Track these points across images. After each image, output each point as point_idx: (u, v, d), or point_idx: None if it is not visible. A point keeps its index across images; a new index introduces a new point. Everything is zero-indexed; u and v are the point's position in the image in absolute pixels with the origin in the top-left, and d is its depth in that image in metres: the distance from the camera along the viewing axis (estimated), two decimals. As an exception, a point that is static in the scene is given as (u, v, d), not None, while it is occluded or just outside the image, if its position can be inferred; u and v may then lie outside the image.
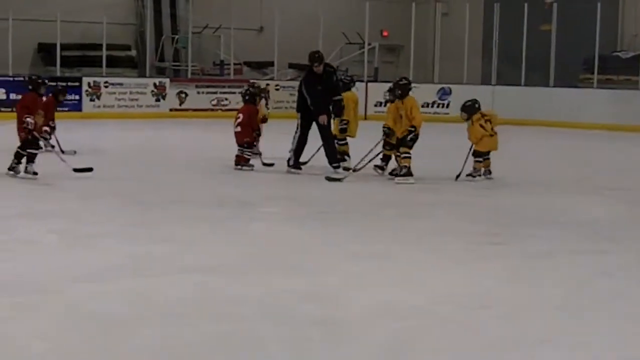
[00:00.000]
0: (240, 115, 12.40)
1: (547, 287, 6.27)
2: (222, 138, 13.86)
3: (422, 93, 22.33)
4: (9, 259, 6.76)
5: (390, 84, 12.33)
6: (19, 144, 10.92)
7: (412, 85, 12.11)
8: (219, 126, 17.02)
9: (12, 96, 21.04)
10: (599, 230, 8.59)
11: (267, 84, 23.74)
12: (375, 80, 24.75)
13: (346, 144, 12.55)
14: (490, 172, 11.91)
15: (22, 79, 21.33)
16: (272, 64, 25.64)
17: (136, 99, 22.65)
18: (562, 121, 21.78)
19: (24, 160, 10.92)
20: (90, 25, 23.81)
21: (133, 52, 26.18)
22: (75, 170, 11.02)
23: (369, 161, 11.73)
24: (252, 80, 18.11)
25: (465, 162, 11.65)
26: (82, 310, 5.39)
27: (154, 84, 23.20)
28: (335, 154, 12.11)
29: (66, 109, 21.24)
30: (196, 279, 6.19)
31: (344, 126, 12.61)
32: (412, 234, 8.21)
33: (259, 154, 12.42)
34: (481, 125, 11.83)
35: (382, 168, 11.93)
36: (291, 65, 26.47)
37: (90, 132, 17.58)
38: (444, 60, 25.74)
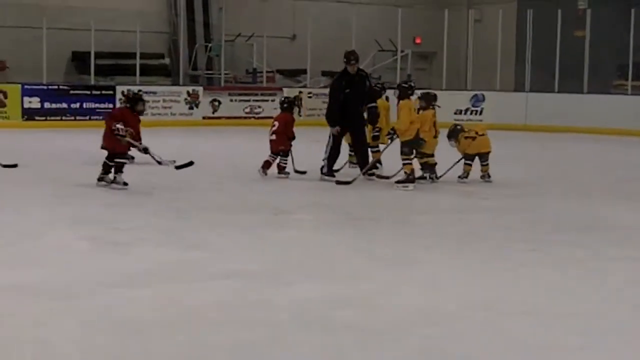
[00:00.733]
0: (276, 123, 12.42)
1: (583, 294, 6.22)
2: (255, 146, 13.88)
3: (455, 100, 22.38)
4: (41, 264, 6.81)
5: (422, 92, 12.37)
6: (106, 154, 10.98)
7: (415, 89, 12.01)
8: (252, 134, 17.08)
9: (46, 105, 21.25)
10: (635, 237, 8.52)
11: (300, 92, 23.85)
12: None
13: (378, 151, 12.53)
14: (489, 176, 12.09)
15: (56, 87, 21.67)
16: (304, 71, 25.69)
17: (169, 107, 22.75)
18: (596, 127, 21.64)
19: (111, 170, 10.97)
20: (124, 34, 23.98)
21: (166, 61, 26.36)
22: (178, 167, 11.46)
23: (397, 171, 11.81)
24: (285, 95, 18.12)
25: (453, 166, 11.94)
26: (114, 316, 5.40)
27: (187, 92, 23.30)
28: (367, 162, 12.11)
29: (100, 117, 21.46)
30: (228, 285, 6.19)
31: (377, 133, 12.65)
32: (444, 240, 8.17)
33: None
34: (466, 138, 12.02)
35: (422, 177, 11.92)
36: (324, 73, 26.52)
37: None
38: (476, 67, 25.65)
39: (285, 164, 12.28)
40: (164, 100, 22.74)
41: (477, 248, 7.77)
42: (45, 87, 21.55)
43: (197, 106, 23.16)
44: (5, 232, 8.17)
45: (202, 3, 27.28)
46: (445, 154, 12.06)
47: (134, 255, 7.19)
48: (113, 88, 22.25)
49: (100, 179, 10.99)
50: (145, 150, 11.19)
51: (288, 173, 12.26)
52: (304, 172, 12.34)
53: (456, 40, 26.77)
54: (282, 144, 12.22)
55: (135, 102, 11.38)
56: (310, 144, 13.04)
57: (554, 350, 4.94)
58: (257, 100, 23.76)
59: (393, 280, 6.50)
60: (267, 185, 11.76)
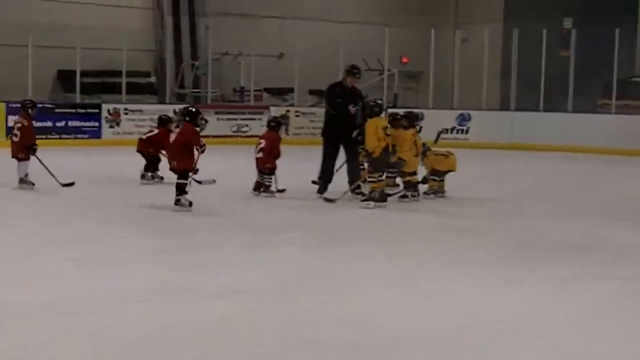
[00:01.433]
0: (263, 141, 12.42)
1: (575, 312, 6.25)
2: (243, 164, 13.88)
3: (441, 119, 22.39)
4: (31, 285, 6.78)
5: (405, 111, 12.45)
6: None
7: (383, 108, 12.03)
8: (239, 153, 17.04)
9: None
10: (623, 255, 8.56)
11: (287, 110, 23.84)
12: (395, 107, 24.69)
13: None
14: (444, 192, 12.35)
15: (41, 105, 21.49)
16: (292, 90, 25.71)
17: (156, 126, 22.63)
18: (581, 146, 21.72)
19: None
20: (110, 52, 23.94)
21: (153, 79, 26.34)
22: (199, 182, 11.83)
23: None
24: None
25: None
26: (104, 336, 5.38)
27: (174, 111, 23.18)
28: (357, 179, 12.11)
29: (86, 136, 21.42)
30: (219, 305, 6.19)
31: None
32: (438, 259, 8.20)
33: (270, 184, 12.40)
34: (436, 155, 12.31)
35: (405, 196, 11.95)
36: (311, 92, 26.55)
37: (109, 158, 17.63)
38: (463, 86, 25.73)
39: (270, 182, 12.28)
40: (151, 119, 22.62)
41: (464, 267, 7.79)
42: (31, 105, 21.42)
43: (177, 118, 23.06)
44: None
45: (188, 21, 27.30)
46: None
47: (127, 275, 7.17)
48: (99, 106, 22.17)
49: (177, 202, 10.82)
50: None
51: (274, 191, 12.27)
52: (283, 190, 12.36)
53: (443, 60, 26.86)
54: (268, 162, 12.23)
55: (195, 116, 11.23)
56: (297, 162, 13.04)
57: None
58: (244, 119, 23.74)
59: (389, 300, 6.52)
60: (256, 203, 11.77)
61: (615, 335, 5.71)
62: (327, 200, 11.76)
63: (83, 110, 22.04)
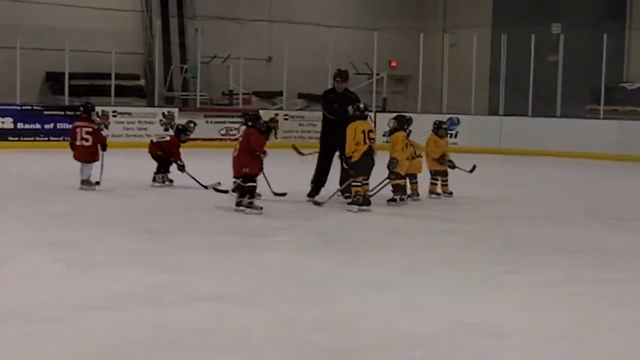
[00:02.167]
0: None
1: (561, 317, 6.24)
2: (231, 168, 13.82)
3: (430, 123, 22.40)
4: (16, 288, 6.76)
5: (397, 114, 12.43)
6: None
7: (365, 112, 11.75)
8: (227, 156, 17.01)
9: (20, 125, 21.10)
10: (611, 260, 8.58)
11: (276, 114, 23.86)
12: (384, 111, 24.75)
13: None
14: (418, 195, 12.41)
15: (29, 107, 21.54)
16: (281, 93, 25.74)
17: (145, 129, 22.64)
18: (569, 151, 21.79)
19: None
20: (99, 55, 23.92)
21: (142, 82, 26.29)
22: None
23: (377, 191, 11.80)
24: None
25: (382, 183, 11.89)
26: (93, 339, 5.37)
27: (163, 114, 23.23)
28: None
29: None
30: (207, 309, 6.17)
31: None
32: (424, 262, 8.20)
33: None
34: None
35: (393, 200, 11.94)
36: (300, 95, 26.59)
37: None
38: (452, 91, 25.79)
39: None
40: (139, 122, 22.66)
41: (455, 271, 7.79)
42: (18, 108, 21.38)
43: (172, 127, 23.06)
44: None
45: (177, 24, 27.24)
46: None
47: (112, 279, 7.13)
48: (87, 109, 22.06)
49: (238, 204, 10.90)
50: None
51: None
52: (284, 194, 12.28)
53: (431, 64, 26.94)
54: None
55: (256, 120, 11.30)
56: (285, 166, 13.01)
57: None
58: (233, 122, 23.70)
59: (374, 304, 6.50)
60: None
61: (603, 339, 5.72)
62: (315, 203, 11.74)
63: (71, 113, 21.94)
